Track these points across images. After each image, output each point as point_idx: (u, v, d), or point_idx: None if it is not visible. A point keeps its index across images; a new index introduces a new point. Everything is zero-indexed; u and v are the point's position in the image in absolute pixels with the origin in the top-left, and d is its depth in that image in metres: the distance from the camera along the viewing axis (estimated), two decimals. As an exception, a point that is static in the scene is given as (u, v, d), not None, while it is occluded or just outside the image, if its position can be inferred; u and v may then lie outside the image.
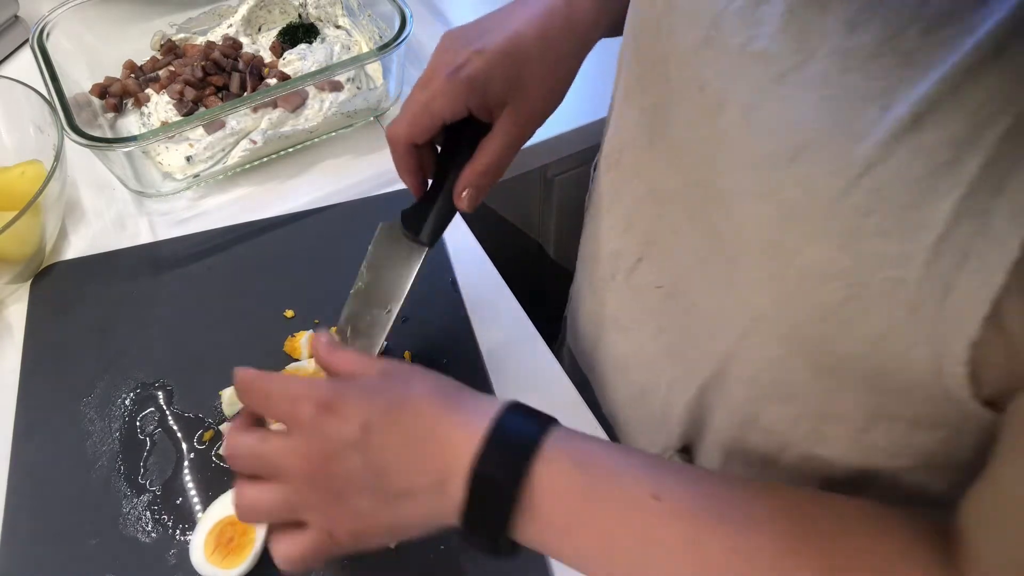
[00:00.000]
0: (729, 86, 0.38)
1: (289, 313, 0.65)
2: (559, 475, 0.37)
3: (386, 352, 0.62)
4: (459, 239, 0.71)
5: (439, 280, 0.67)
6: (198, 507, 0.54)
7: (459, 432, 0.38)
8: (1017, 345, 0.30)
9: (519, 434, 0.38)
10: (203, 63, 0.79)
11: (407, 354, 0.62)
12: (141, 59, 0.83)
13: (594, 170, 0.71)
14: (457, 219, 0.72)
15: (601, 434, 0.59)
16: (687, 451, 0.54)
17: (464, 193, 0.50)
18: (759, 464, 0.48)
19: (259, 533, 0.50)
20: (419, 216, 0.52)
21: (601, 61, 0.80)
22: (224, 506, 0.52)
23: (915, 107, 0.30)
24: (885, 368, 0.35)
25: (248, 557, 0.49)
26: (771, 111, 0.36)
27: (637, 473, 0.38)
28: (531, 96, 0.48)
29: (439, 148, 0.52)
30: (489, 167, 0.49)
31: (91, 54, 0.81)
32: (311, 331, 0.63)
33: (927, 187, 0.30)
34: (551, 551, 0.39)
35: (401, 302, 0.52)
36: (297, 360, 0.61)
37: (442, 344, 0.63)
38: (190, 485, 0.55)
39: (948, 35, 0.30)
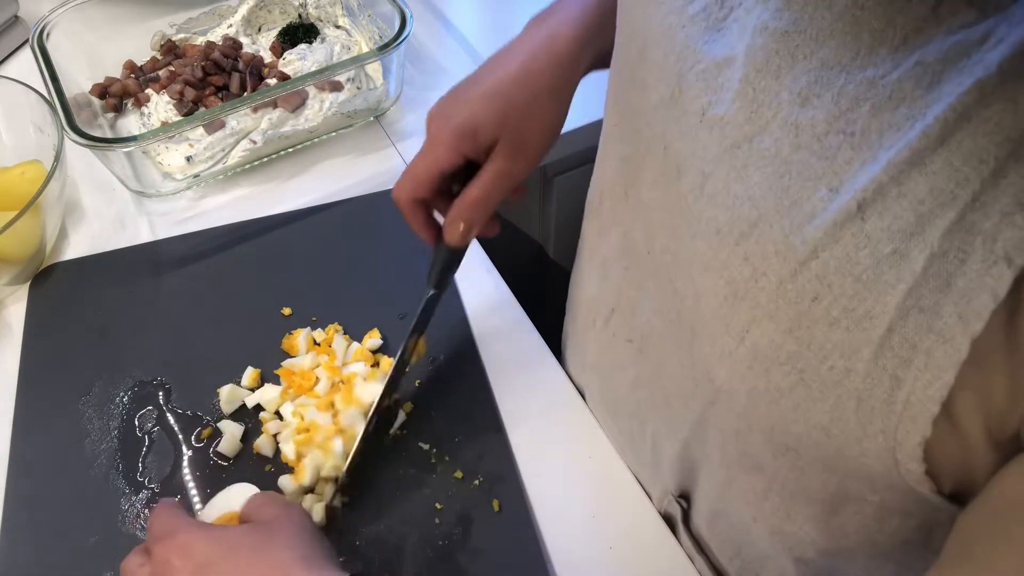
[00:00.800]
0: (688, 150, 0.37)
1: (287, 311, 0.65)
2: None
3: (382, 349, 0.62)
4: (458, 238, 0.71)
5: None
6: (197, 504, 0.54)
7: None
8: (972, 444, 0.29)
9: None
10: (203, 63, 0.79)
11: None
12: (141, 59, 0.84)
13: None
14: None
15: (602, 437, 0.59)
16: (685, 497, 0.53)
17: (452, 226, 0.50)
18: (738, 528, 0.47)
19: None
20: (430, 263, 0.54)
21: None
22: (223, 503, 0.52)
23: (861, 193, 0.29)
24: (842, 453, 0.34)
25: None
26: (724, 182, 0.34)
27: None
28: (519, 130, 0.48)
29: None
30: (478, 199, 0.49)
31: (91, 54, 0.81)
32: (308, 328, 0.63)
33: (873, 278, 0.29)
34: None
35: (405, 340, 0.55)
36: (294, 357, 0.61)
37: (441, 343, 0.63)
38: (189, 482, 0.55)
39: (897, 118, 0.29)
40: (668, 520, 0.55)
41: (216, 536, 0.41)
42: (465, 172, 0.50)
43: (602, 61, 0.51)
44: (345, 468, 0.54)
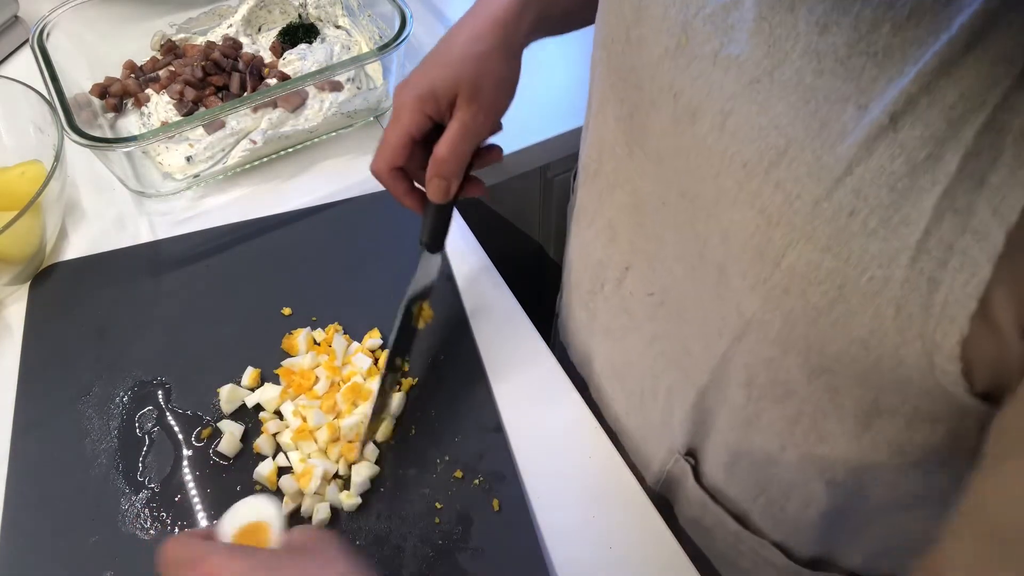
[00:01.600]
0: (703, 93, 0.38)
1: (287, 311, 0.65)
2: None
3: (385, 347, 0.62)
4: (459, 239, 0.71)
5: (439, 279, 0.67)
6: (197, 504, 0.54)
7: None
8: (1006, 338, 0.30)
9: None
10: (203, 63, 0.79)
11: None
12: (141, 59, 0.84)
13: (574, 180, 0.71)
14: (458, 219, 0.72)
15: (602, 436, 0.59)
16: (692, 454, 0.54)
17: (431, 183, 0.53)
18: (763, 463, 0.48)
19: (272, 538, 0.49)
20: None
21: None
22: (242, 514, 0.51)
23: (891, 106, 0.30)
24: (878, 366, 0.35)
25: None
26: (746, 117, 0.36)
27: None
28: (473, 84, 0.51)
29: None
30: (448, 152, 0.52)
31: (91, 54, 0.81)
32: (308, 328, 0.63)
33: (908, 185, 0.31)
34: None
35: (407, 295, 0.57)
36: (294, 357, 0.61)
37: (441, 343, 0.63)
38: (188, 482, 0.55)
39: (920, 32, 0.30)
40: (671, 483, 0.56)
41: (252, 558, 0.37)
42: (436, 137, 0.53)
43: (545, 25, 0.56)
44: (365, 429, 0.55)
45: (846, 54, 0.32)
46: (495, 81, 0.52)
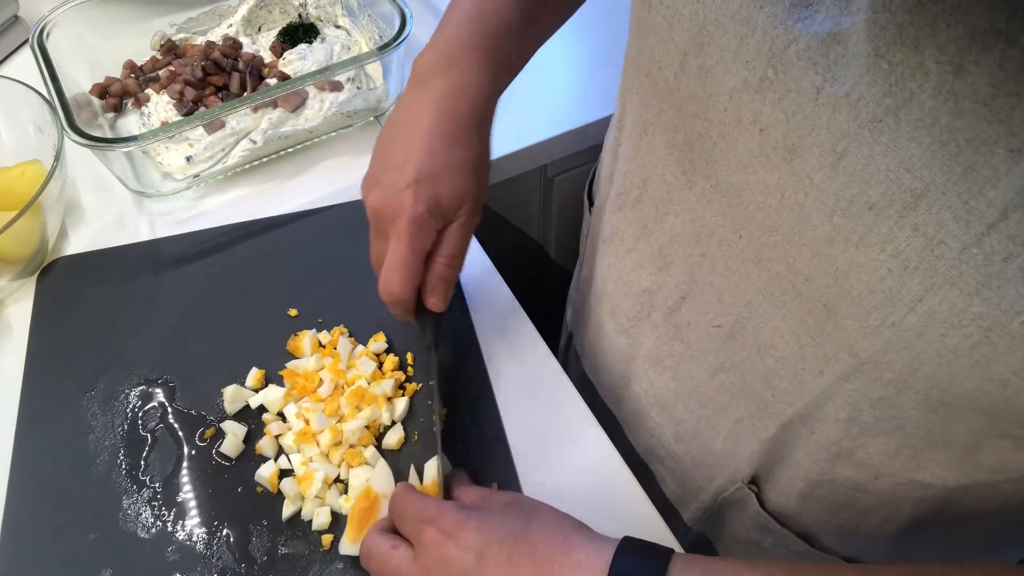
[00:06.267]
0: (803, 130, 0.36)
1: (293, 312, 0.65)
2: None
3: (390, 351, 0.62)
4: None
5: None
6: (198, 505, 0.54)
7: (584, 564, 0.38)
8: None
9: (642, 562, 0.38)
10: (203, 63, 0.79)
11: (410, 355, 0.62)
12: (141, 59, 0.84)
13: (589, 197, 0.70)
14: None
15: (603, 439, 0.59)
16: (755, 482, 0.53)
17: (435, 294, 0.53)
18: (846, 490, 0.47)
19: (384, 507, 0.51)
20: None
21: (597, 63, 0.80)
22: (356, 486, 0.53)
23: None
24: (1012, 401, 0.35)
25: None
26: (867, 157, 0.34)
27: None
28: (477, 199, 0.51)
29: None
30: (457, 263, 0.52)
31: (91, 54, 0.81)
32: (313, 330, 0.63)
33: None
34: None
35: (434, 405, 0.55)
36: (298, 359, 0.61)
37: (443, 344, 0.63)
38: (190, 482, 0.56)
39: None
40: (726, 508, 0.55)
41: (479, 515, 0.42)
42: None
43: (508, 81, 0.55)
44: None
45: (990, 95, 0.30)
46: (487, 181, 0.53)
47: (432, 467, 0.52)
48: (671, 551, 0.39)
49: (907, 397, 0.39)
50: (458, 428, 0.58)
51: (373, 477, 0.53)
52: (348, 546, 0.51)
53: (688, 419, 0.56)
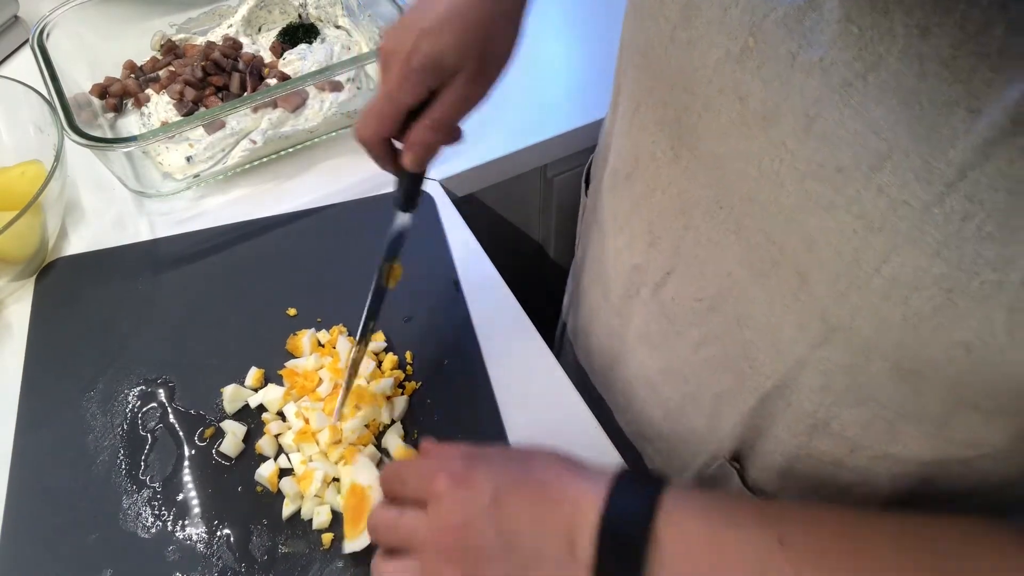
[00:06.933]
0: (780, 96, 0.37)
1: (292, 311, 0.65)
2: (684, 524, 0.37)
3: (389, 350, 0.62)
4: (460, 239, 0.71)
5: (441, 280, 0.67)
6: (198, 504, 0.54)
7: (584, 494, 0.39)
8: None
9: (639, 489, 0.39)
10: (203, 63, 0.79)
11: (408, 354, 0.62)
12: (141, 59, 0.84)
13: (586, 185, 0.70)
14: (458, 219, 0.72)
15: (602, 436, 0.59)
16: (737, 459, 0.53)
17: (413, 151, 0.49)
18: (825, 465, 0.48)
19: (374, 497, 0.52)
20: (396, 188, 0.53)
21: (597, 63, 0.81)
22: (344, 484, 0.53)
23: (1013, 109, 0.29)
24: (976, 368, 0.35)
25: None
26: (836, 120, 0.34)
27: (758, 519, 0.38)
28: (481, 56, 0.47)
29: None
30: (439, 126, 0.48)
31: (91, 54, 0.81)
32: (312, 329, 0.63)
33: None
34: None
35: (379, 265, 0.54)
36: (298, 358, 0.61)
37: (444, 344, 0.63)
38: (190, 482, 0.56)
39: None
40: (708, 486, 0.56)
41: (483, 458, 0.42)
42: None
43: None
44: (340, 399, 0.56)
45: (951, 55, 0.30)
46: (501, 51, 0.49)
47: (391, 440, 0.53)
48: (665, 478, 0.40)
49: (876, 364, 0.39)
50: (458, 426, 0.58)
51: (355, 472, 0.53)
52: (348, 544, 0.51)
53: (673, 396, 0.56)
